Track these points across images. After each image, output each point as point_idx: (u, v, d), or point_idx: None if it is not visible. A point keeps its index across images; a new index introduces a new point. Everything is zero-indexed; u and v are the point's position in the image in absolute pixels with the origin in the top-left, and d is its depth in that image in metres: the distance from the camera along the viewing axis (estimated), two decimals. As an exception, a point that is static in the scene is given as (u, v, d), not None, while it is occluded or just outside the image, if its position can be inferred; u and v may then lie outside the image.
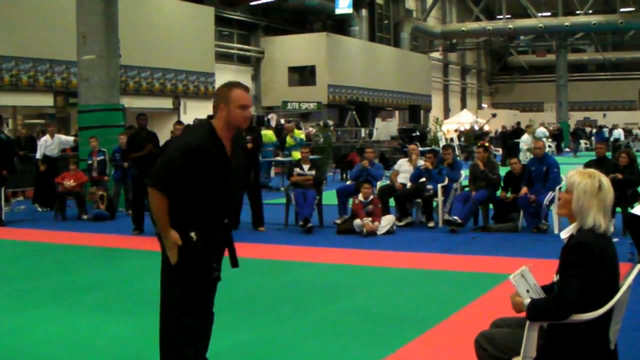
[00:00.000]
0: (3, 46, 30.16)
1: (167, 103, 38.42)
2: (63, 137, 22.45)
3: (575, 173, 4.89)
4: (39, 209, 20.86)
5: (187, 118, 32.36)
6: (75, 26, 21.19)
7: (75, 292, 10.05)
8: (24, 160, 23.31)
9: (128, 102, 25.34)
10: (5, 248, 14.60)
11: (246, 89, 5.72)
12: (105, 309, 8.93)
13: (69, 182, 18.42)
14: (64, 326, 8.14)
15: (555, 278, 4.90)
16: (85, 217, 18.37)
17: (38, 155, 21.11)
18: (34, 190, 21.94)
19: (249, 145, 15.33)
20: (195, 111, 36.49)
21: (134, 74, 36.09)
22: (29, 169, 22.61)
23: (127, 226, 16.15)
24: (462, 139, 44.99)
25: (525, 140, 31.88)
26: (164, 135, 19.45)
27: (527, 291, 4.84)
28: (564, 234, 4.91)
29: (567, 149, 52.04)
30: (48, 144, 21.14)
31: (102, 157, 19.10)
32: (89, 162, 19.30)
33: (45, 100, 31.87)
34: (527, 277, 4.88)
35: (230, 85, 5.70)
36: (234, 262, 6.07)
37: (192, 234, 5.52)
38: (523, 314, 4.80)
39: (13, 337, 7.69)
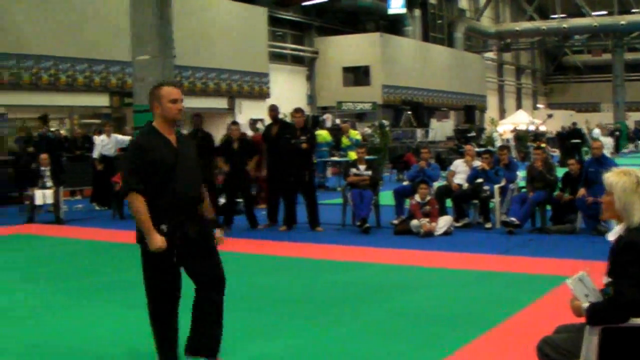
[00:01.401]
0: (59, 47, 30.44)
1: (221, 103, 38.54)
2: (119, 136, 22.61)
3: (611, 174, 4.85)
4: (97, 208, 21.05)
5: (243, 118, 32.41)
6: (130, 27, 21.34)
7: (132, 290, 10.05)
8: (81, 159, 23.50)
9: (183, 102, 25.37)
10: (63, 246, 14.73)
11: (175, 85, 6.42)
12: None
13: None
14: (120, 324, 8.17)
15: (605, 280, 4.82)
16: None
17: (95, 155, 21.30)
18: (92, 189, 22.14)
19: (304, 145, 15.32)
20: (251, 111, 36.54)
21: (189, 74, 36.23)
22: (87, 169, 22.80)
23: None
24: (518, 139, 44.59)
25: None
26: (219, 135, 19.52)
27: (586, 295, 4.77)
28: (612, 236, 4.85)
29: (624, 150, 51.47)
30: (105, 144, 21.33)
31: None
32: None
33: (101, 100, 32.12)
34: (585, 281, 4.80)
35: (159, 85, 6.39)
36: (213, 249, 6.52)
37: (163, 227, 6.09)
38: (583, 319, 4.73)
39: (70, 335, 7.72)
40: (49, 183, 18.36)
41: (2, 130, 26.86)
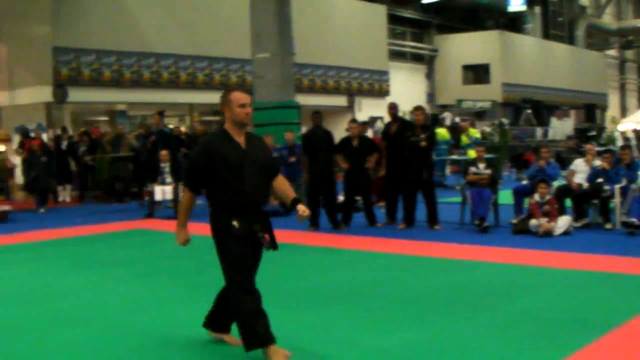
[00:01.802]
0: (180, 45, 31.01)
1: (341, 101, 38.67)
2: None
3: None
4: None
5: (362, 116, 32.52)
6: (250, 25, 21.59)
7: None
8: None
9: (302, 99, 25.58)
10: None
11: (243, 91, 6.88)
12: (277, 303, 9.02)
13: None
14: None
15: None
16: (260, 211, 18.67)
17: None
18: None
19: (423, 143, 15.30)
20: (371, 109, 36.65)
21: (308, 71, 36.48)
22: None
23: (302, 222, 16.31)
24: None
25: None
26: (339, 133, 19.61)
27: None
28: None
29: None
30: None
31: (277, 154, 19.34)
32: (265, 158, 19.55)
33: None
34: None
35: (229, 90, 6.90)
36: (274, 246, 7.03)
37: (235, 222, 6.68)
38: None
39: (191, 327, 7.85)
40: (169, 179, 18.72)
41: (123, 127, 27.45)
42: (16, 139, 27.09)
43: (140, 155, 22.16)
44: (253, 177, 6.75)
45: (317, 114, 16.60)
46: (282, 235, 15.10)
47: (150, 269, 11.88)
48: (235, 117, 6.76)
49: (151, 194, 18.49)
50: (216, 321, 7.35)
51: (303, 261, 12.41)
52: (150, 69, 30.54)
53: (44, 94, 28.20)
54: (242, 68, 32.90)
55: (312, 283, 10.37)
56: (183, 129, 31.16)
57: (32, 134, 25.21)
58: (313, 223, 15.80)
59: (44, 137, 25.77)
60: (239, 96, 6.79)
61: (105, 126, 31.54)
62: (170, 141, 19.98)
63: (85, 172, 24.52)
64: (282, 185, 7.12)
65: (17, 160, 26.30)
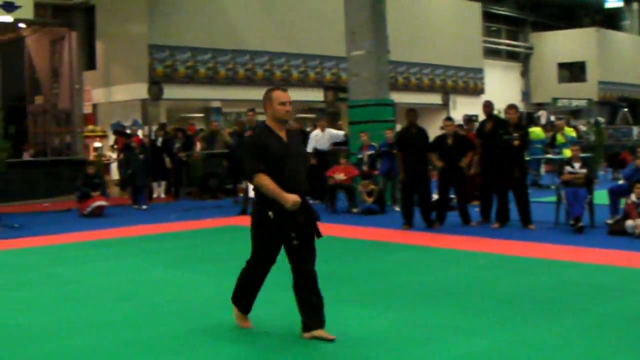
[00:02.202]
0: (275, 43, 31.28)
1: (436, 99, 38.58)
2: (333, 131, 22.93)
3: None
4: (310, 201, 21.38)
5: (457, 114, 32.37)
6: (344, 23, 21.67)
7: (341, 284, 10.22)
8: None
9: (397, 97, 25.60)
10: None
11: (283, 89, 7.51)
12: (370, 301, 9.06)
13: (340, 176, 18.86)
14: (328, 316, 8.30)
15: None
16: (355, 210, 18.73)
17: (309, 149, 21.67)
18: (306, 182, 22.54)
19: (516, 142, 15.20)
20: (465, 107, 36.43)
21: (403, 69, 36.50)
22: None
23: (396, 220, 16.35)
24: None
25: None
26: (433, 131, 19.56)
27: None
28: None
29: None
30: (319, 138, 21.68)
31: (372, 152, 19.36)
32: (359, 156, 19.63)
33: (315, 95, 32.70)
34: None
35: (270, 90, 7.52)
36: (317, 234, 7.47)
37: (270, 213, 7.14)
38: None
39: (272, 325, 7.94)
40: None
41: (218, 124, 27.74)
42: (112, 135, 27.60)
43: (235, 152, 22.33)
44: (292, 169, 7.27)
45: (412, 111, 16.56)
46: (376, 233, 15.19)
47: (242, 265, 11.97)
48: (276, 114, 7.37)
49: (245, 190, 18.63)
50: (310, 320, 7.38)
51: (397, 259, 12.41)
52: (245, 67, 30.88)
53: (140, 91, 28.71)
54: (337, 66, 33.05)
55: (405, 281, 10.37)
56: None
57: (128, 131, 25.62)
58: (407, 221, 15.80)
59: (139, 133, 26.16)
60: (279, 95, 7.40)
61: (200, 123, 31.90)
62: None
63: (180, 168, 24.80)
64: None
65: (112, 156, 26.77)
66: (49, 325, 8.28)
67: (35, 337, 7.78)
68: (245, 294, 7.69)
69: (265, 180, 7.11)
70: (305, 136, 21.80)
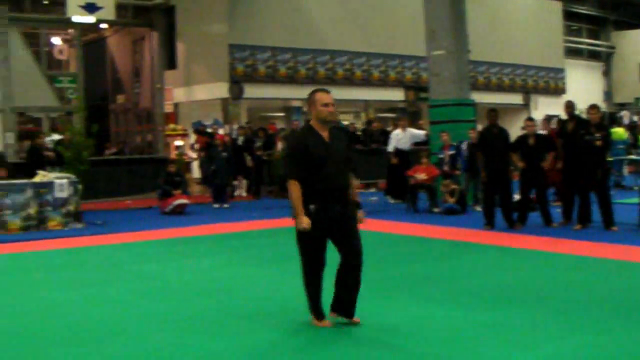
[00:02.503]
0: (355, 43, 31.32)
1: (516, 99, 38.29)
2: (414, 130, 22.89)
3: None
4: (391, 201, 21.40)
5: (538, 114, 32.10)
6: (424, 22, 21.61)
7: (421, 283, 10.22)
8: (376, 153, 23.97)
9: (478, 97, 25.46)
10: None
11: (326, 91, 7.90)
12: (449, 301, 9.02)
13: (421, 175, 18.82)
14: (410, 316, 8.28)
15: None
16: (436, 210, 18.66)
17: (390, 149, 21.66)
18: (386, 182, 22.53)
19: (598, 142, 15.01)
20: (546, 107, 36.10)
21: (483, 69, 36.29)
22: (382, 162, 23.23)
23: (477, 220, 16.27)
24: None
25: None
26: (514, 131, 19.43)
27: None
28: None
29: None
30: (400, 138, 21.65)
31: (453, 152, 19.28)
32: (440, 156, 19.56)
33: (396, 95, 32.69)
34: None
35: (313, 92, 7.92)
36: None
37: (311, 207, 7.56)
38: None
39: (357, 325, 7.93)
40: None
41: (298, 123, 27.87)
42: (193, 134, 27.88)
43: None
44: (333, 167, 7.68)
45: (493, 111, 16.47)
46: (457, 233, 15.13)
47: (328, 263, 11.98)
48: (319, 115, 7.77)
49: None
50: (338, 303, 7.95)
51: (478, 260, 12.35)
52: (325, 66, 30.96)
53: (221, 90, 28.96)
54: (417, 65, 32.96)
55: (486, 282, 10.31)
56: (358, 125, 31.46)
57: (209, 130, 25.84)
58: (488, 222, 15.71)
59: (220, 132, 26.36)
60: (322, 97, 7.81)
61: (281, 122, 32.05)
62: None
63: (261, 167, 24.93)
64: (351, 184, 7.96)
65: (193, 154, 27.02)
66: (131, 321, 8.42)
67: (118, 332, 7.90)
68: (313, 304, 7.93)
69: (294, 189, 7.63)
70: (387, 135, 21.76)
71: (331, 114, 7.80)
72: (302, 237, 7.67)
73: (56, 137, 22.72)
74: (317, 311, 7.90)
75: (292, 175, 7.68)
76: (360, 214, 7.96)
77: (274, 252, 13.41)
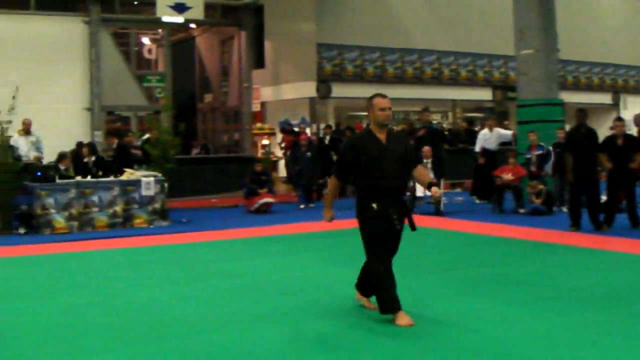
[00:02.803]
0: (443, 42, 31.19)
1: (605, 98, 37.69)
2: (502, 130, 22.72)
3: None
4: (477, 201, 21.28)
5: (628, 114, 31.59)
6: (513, 21, 21.42)
7: (506, 285, 10.13)
8: (463, 152, 23.84)
9: (566, 97, 25.15)
10: (442, 237, 15.02)
11: (383, 96, 8.35)
12: (533, 304, 8.91)
13: (507, 176, 18.66)
14: (494, 318, 8.21)
15: None
16: (522, 210, 18.49)
17: (477, 149, 21.53)
18: (472, 182, 22.40)
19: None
20: (637, 107, 35.47)
21: (572, 68, 35.82)
22: (468, 162, 23.10)
23: (563, 222, 16.09)
24: None
25: None
26: (603, 131, 19.17)
27: None
28: None
29: None
30: (487, 138, 21.50)
31: (541, 152, 19.09)
32: (528, 156, 19.38)
33: (484, 94, 32.45)
34: None
35: (372, 97, 8.43)
36: (412, 227, 8.45)
37: (374, 205, 8.08)
38: None
39: (443, 324, 7.90)
40: (431, 175, 18.78)
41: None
42: (279, 133, 28.04)
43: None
44: (390, 167, 8.15)
45: (581, 111, 16.25)
46: (543, 234, 14.98)
47: (409, 263, 11.82)
48: (377, 119, 8.28)
49: (412, 189, 18.63)
50: (361, 286, 8.77)
51: (563, 262, 12.19)
52: (413, 65, 30.87)
53: (308, 89, 29.03)
54: (506, 64, 32.70)
55: (571, 284, 10.18)
56: (445, 124, 31.34)
57: (296, 129, 25.95)
58: (574, 223, 15.52)
59: (307, 131, 26.45)
60: (379, 101, 8.30)
61: (367, 121, 31.98)
62: (435, 137, 20.05)
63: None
64: (420, 174, 8.48)
65: (279, 153, 27.16)
66: (215, 318, 8.50)
67: (202, 330, 7.99)
68: (387, 292, 8.12)
69: (333, 186, 8.65)
70: (473, 135, 21.58)
71: (388, 118, 8.29)
72: (369, 232, 8.19)
73: (147, 136, 23.04)
74: (393, 302, 8.06)
75: (336, 173, 8.47)
76: (436, 190, 8.32)
77: (357, 252, 13.39)
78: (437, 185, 8.57)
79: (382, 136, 8.23)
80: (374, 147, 8.15)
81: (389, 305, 8.03)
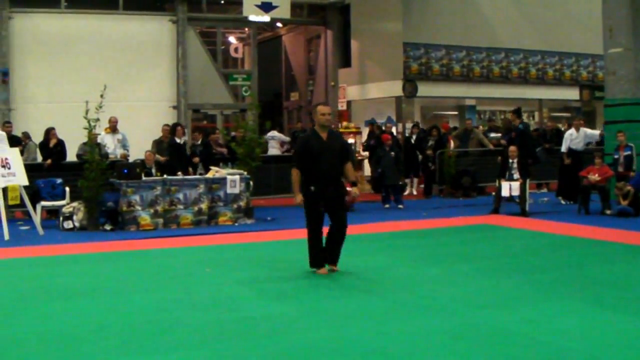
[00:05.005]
0: (529, 41, 30.95)
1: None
2: (589, 130, 22.38)
3: None
4: (562, 202, 21.02)
5: None
6: (602, 19, 21.14)
7: (595, 287, 10.01)
8: (549, 152, 23.58)
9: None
10: (528, 238, 14.88)
11: (325, 104, 11.67)
12: (621, 307, 8.76)
13: (594, 176, 18.40)
14: (581, 320, 8.11)
15: None
16: (608, 212, 18.21)
17: (563, 149, 21.25)
18: (558, 183, 22.12)
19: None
20: None
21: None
22: (554, 162, 22.83)
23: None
24: None
25: None
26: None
27: None
28: None
29: None
30: (573, 138, 21.21)
31: (629, 152, 18.80)
32: (615, 156, 19.12)
33: (571, 94, 32.09)
34: None
35: (316, 105, 11.62)
36: (345, 207, 11.15)
37: (312, 187, 10.78)
38: None
39: (529, 326, 7.83)
40: (516, 175, 18.61)
41: (471, 122, 27.68)
42: (365, 132, 28.02)
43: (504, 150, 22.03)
44: (328, 159, 10.82)
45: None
46: (630, 236, 14.73)
47: (494, 265, 11.83)
48: (319, 121, 10.99)
49: (498, 189, 18.48)
50: (327, 254, 11.11)
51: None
52: (500, 64, 30.67)
53: (394, 88, 29.01)
54: (594, 64, 32.30)
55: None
56: (532, 124, 31.03)
57: (383, 128, 25.89)
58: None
59: (393, 130, 26.37)
60: (321, 108, 11.06)
61: (454, 121, 31.86)
62: (524, 138, 19.82)
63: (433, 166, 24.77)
64: (348, 169, 11.11)
65: (364, 153, 27.13)
66: (299, 316, 8.56)
67: (286, 328, 8.03)
68: (314, 253, 11.04)
69: (295, 174, 10.91)
70: (560, 135, 21.27)
71: (328, 121, 11.00)
72: (307, 207, 10.88)
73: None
74: (317, 261, 11.00)
75: (294, 164, 10.96)
76: (354, 190, 11.60)
77: (442, 252, 13.33)
78: (356, 185, 11.67)
79: (323, 135, 10.95)
80: (316, 144, 10.84)
81: (315, 262, 11.01)
